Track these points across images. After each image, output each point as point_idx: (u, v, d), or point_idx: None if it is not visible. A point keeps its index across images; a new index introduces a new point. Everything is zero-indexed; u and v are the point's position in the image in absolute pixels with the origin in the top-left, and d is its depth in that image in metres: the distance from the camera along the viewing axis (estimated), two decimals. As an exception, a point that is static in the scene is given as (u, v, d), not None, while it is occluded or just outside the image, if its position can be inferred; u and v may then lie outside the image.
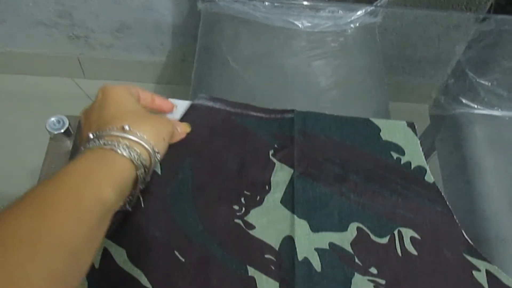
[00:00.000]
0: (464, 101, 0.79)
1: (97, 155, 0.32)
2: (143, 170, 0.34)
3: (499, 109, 0.78)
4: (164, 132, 0.38)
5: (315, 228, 0.39)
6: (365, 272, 0.38)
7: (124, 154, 0.32)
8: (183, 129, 0.43)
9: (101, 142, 0.33)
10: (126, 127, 0.34)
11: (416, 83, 1.19)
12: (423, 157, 0.44)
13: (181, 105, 0.45)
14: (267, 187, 0.41)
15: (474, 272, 0.39)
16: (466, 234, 0.40)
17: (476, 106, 0.79)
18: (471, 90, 0.78)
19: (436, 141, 0.88)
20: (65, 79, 1.17)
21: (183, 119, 0.44)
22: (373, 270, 0.38)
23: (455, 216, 0.41)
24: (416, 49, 1.09)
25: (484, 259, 0.39)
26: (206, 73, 0.81)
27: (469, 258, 0.39)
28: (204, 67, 0.82)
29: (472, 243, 0.40)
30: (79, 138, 0.43)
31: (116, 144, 0.32)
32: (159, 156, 0.36)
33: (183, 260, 0.37)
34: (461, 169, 0.76)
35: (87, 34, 1.06)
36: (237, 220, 0.39)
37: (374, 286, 0.37)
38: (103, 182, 0.30)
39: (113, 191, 0.30)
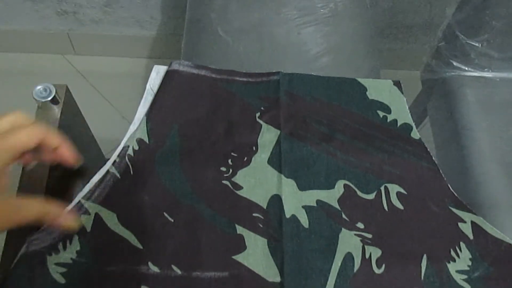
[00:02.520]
0: (455, 63, 0.79)
1: None
2: None
3: (490, 71, 0.78)
4: None
5: (302, 187, 0.40)
6: (352, 227, 0.38)
7: None
8: (63, 223, 0.34)
9: None
10: None
11: (409, 49, 1.18)
12: (409, 115, 0.45)
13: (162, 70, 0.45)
14: (254, 148, 0.41)
15: (459, 224, 0.39)
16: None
17: (467, 69, 0.78)
18: (462, 52, 0.77)
19: (428, 107, 0.88)
20: (55, 56, 1.16)
21: (165, 86, 0.44)
22: (360, 225, 0.39)
23: (441, 171, 0.42)
24: (407, 14, 1.08)
25: (469, 211, 0.40)
26: (196, 45, 0.81)
27: (454, 210, 0.40)
28: (194, 39, 0.82)
29: (457, 196, 0.41)
30: None
31: None
32: None
33: (172, 220, 0.38)
34: (453, 133, 0.77)
35: (75, 9, 1.05)
36: (224, 181, 0.40)
37: (360, 240, 0.38)
38: None
39: None
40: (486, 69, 0.77)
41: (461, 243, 0.39)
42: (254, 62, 0.76)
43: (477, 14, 0.75)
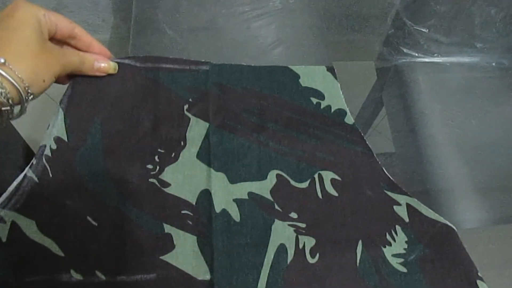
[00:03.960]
0: (405, 50, 0.79)
1: None
2: (8, 108, 0.32)
3: (439, 56, 0.78)
4: (46, 75, 0.35)
5: (233, 180, 0.39)
6: (285, 218, 0.37)
7: None
8: (102, 68, 0.40)
9: None
10: (2, 60, 0.31)
11: (367, 40, 1.19)
12: (343, 100, 0.44)
13: None
14: (182, 143, 0.40)
15: (395, 207, 0.39)
16: (417, 186, 0.40)
17: (417, 55, 0.79)
18: (410, 39, 0.78)
19: (384, 95, 0.88)
20: (6, 66, 1.13)
21: (85, 77, 0.41)
22: (293, 215, 0.37)
23: (375, 155, 0.41)
24: (362, 5, 1.08)
25: (404, 193, 0.39)
26: (143, 46, 0.79)
27: (389, 194, 0.39)
28: (141, 39, 0.80)
29: (392, 179, 0.40)
30: None
31: None
32: (31, 97, 0.34)
33: (96, 224, 0.36)
34: (407, 120, 0.77)
35: (22, 16, 1.02)
36: (151, 180, 0.38)
37: (294, 230, 0.37)
38: None
39: None
40: (435, 54, 0.78)
41: (397, 227, 0.38)
42: (204, 60, 0.74)
43: (422, 0, 0.75)
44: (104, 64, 0.40)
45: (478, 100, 0.75)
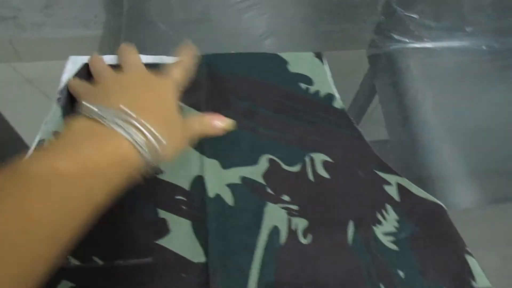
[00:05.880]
0: (396, 37, 0.80)
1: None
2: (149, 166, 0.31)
3: (430, 41, 0.78)
4: (178, 146, 0.33)
5: (226, 165, 0.39)
6: (277, 200, 0.38)
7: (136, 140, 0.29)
8: (219, 126, 0.36)
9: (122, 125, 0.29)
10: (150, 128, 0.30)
11: (359, 29, 1.19)
12: (332, 85, 0.44)
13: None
14: None
15: (385, 187, 0.39)
16: (411, 173, 0.41)
17: (408, 41, 0.79)
18: (401, 25, 0.78)
19: (376, 83, 0.88)
20: (0, 65, 1.13)
21: (81, 76, 0.42)
22: (286, 198, 0.38)
23: (366, 140, 0.42)
24: (353, -7, 1.09)
25: (394, 173, 0.40)
26: (135, 39, 0.79)
27: (380, 174, 0.40)
28: (132, 33, 0.80)
29: (382, 160, 0.41)
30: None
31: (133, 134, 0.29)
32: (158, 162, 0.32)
33: None
34: (400, 106, 0.78)
35: (14, 13, 1.02)
36: (144, 169, 0.39)
37: (286, 213, 0.37)
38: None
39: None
40: (426, 40, 0.78)
41: (387, 205, 0.38)
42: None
43: (412, -14, 0.75)
44: (222, 123, 0.36)
45: (469, 84, 0.76)
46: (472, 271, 0.36)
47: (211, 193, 0.38)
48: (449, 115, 0.73)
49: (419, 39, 0.78)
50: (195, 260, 0.35)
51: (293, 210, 0.38)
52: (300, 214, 0.38)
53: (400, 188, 0.39)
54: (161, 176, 0.38)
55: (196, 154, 0.39)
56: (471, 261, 0.36)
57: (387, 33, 0.80)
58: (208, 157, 0.39)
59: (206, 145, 0.40)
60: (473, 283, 0.36)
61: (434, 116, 0.73)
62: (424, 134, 0.72)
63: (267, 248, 0.36)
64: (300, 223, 0.37)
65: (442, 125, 0.73)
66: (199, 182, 0.38)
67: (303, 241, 0.36)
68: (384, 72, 0.84)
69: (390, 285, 0.35)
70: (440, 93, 0.75)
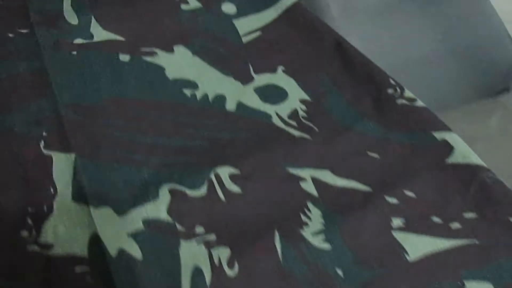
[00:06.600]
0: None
1: None
2: None
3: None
4: None
5: (120, 211, 0.34)
6: (190, 236, 0.33)
7: None
8: None
9: None
10: None
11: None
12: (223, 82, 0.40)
13: None
14: (52, 190, 0.34)
15: (301, 183, 0.36)
16: None
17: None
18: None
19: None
20: None
21: None
22: (199, 229, 0.34)
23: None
24: None
25: (307, 166, 0.37)
26: None
27: (292, 171, 0.37)
28: None
29: (294, 152, 0.38)
30: None
31: None
32: None
33: None
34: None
35: None
36: (31, 247, 0.32)
37: (205, 246, 0.33)
38: None
39: None
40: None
41: (308, 203, 0.36)
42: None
43: None
44: None
45: (393, 18, 0.72)
46: (403, 246, 0.34)
47: (112, 251, 0.32)
48: (375, 53, 0.70)
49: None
50: None
51: (211, 240, 0.34)
52: (219, 242, 0.34)
53: (316, 182, 0.36)
54: (51, 252, 0.32)
55: (82, 208, 0.33)
56: (399, 237, 0.35)
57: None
58: (95, 206, 0.34)
59: (89, 193, 0.34)
60: (406, 256, 0.34)
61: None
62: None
63: None
64: (222, 253, 0.33)
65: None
66: (96, 242, 0.33)
67: (230, 273, 0.32)
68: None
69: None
70: (363, 31, 0.71)
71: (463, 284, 0.33)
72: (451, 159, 0.38)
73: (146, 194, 0.34)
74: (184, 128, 0.37)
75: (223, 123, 0.37)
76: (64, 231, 0.33)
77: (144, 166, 0.35)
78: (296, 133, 0.39)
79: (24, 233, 0.33)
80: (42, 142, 0.35)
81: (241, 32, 0.44)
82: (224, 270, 0.32)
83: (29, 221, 0.33)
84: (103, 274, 0.32)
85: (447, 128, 0.39)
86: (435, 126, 0.39)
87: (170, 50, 0.42)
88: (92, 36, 0.41)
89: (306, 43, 0.44)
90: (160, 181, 0.35)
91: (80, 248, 0.32)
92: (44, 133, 0.36)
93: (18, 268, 0.32)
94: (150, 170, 0.35)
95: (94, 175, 0.35)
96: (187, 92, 0.38)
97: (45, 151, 0.35)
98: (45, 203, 0.34)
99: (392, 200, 0.36)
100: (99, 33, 0.42)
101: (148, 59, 0.41)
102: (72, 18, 0.42)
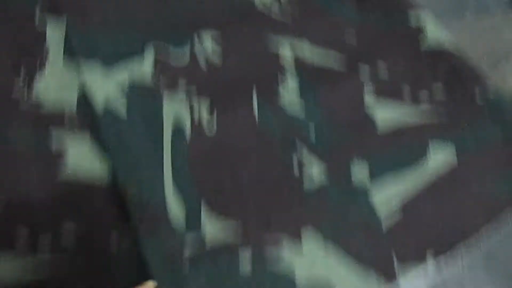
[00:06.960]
0: None
1: None
2: None
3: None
4: None
5: (107, 63, 0.35)
6: (174, 86, 0.36)
7: None
8: None
9: None
10: None
11: None
12: None
13: None
14: (45, 47, 0.36)
15: (279, 53, 0.38)
16: None
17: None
18: None
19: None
20: None
21: None
22: (182, 81, 0.36)
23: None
24: None
25: (289, 34, 0.39)
26: None
27: (272, 37, 0.38)
28: None
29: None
30: None
31: None
32: None
33: None
34: None
35: None
36: (23, 106, 0.34)
37: (186, 96, 0.35)
38: None
39: None
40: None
41: (286, 70, 0.37)
42: None
43: None
44: None
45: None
46: (373, 120, 0.36)
47: (99, 108, 0.34)
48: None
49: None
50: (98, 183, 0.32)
51: (192, 90, 0.35)
52: (200, 93, 0.35)
53: (294, 53, 0.38)
54: (42, 111, 0.34)
55: (74, 63, 0.35)
56: (370, 102, 0.37)
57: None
58: (86, 58, 0.35)
59: (80, 48, 0.36)
60: (376, 131, 0.36)
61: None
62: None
63: (175, 155, 0.33)
64: (203, 103, 0.35)
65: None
66: (85, 97, 0.34)
67: (209, 130, 0.34)
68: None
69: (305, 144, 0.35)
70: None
71: (427, 144, 0.35)
72: (424, 46, 0.39)
73: (133, 49, 0.36)
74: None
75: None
76: (54, 91, 0.35)
77: (131, 26, 0.37)
78: (277, 17, 0.40)
79: (16, 94, 0.35)
80: (39, 6, 0.37)
81: None
82: (202, 127, 0.34)
83: (21, 83, 0.35)
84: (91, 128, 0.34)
85: (421, 7, 0.40)
86: (410, 5, 0.41)
87: None
88: None
89: None
90: (146, 38, 0.37)
91: (69, 107, 0.34)
92: None
93: (11, 124, 0.34)
94: (136, 29, 0.37)
95: (83, 35, 0.36)
96: None
97: (39, 13, 0.37)
98: (38, 59, 0.35)
99: (365, 67, 0.38)
100: None
101: None
102: None
